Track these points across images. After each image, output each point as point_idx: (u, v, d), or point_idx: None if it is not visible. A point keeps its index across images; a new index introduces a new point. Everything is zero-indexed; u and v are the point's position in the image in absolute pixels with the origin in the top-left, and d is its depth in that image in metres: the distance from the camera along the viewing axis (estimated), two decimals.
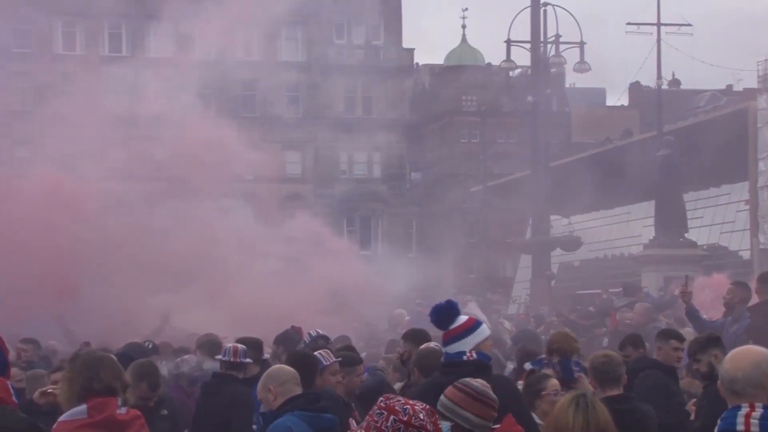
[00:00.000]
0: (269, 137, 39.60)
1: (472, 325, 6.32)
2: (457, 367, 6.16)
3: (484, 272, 53.71)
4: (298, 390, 6.50)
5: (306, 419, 6.19)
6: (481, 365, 6.27)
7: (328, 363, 8.09)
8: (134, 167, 28.58)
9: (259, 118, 45.04)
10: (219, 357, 9.33)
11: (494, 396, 5.26)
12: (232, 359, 8.95)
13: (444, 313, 6.22)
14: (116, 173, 27.07)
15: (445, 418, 5.17)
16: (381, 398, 4.10)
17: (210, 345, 10.93)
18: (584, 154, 45.22)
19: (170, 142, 32.19)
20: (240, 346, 9.29)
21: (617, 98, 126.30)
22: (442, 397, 5.36)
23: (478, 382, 5.38)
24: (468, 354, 6.22)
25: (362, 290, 21.61)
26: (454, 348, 6.23)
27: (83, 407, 5.46)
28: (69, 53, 45.94)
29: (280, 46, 48.65)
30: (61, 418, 5.53)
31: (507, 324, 19.45)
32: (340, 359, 8.36)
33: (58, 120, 25.85)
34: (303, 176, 48.67)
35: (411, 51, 55.56)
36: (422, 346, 8.17)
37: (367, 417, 4.04)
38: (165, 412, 8.49)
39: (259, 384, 6.66)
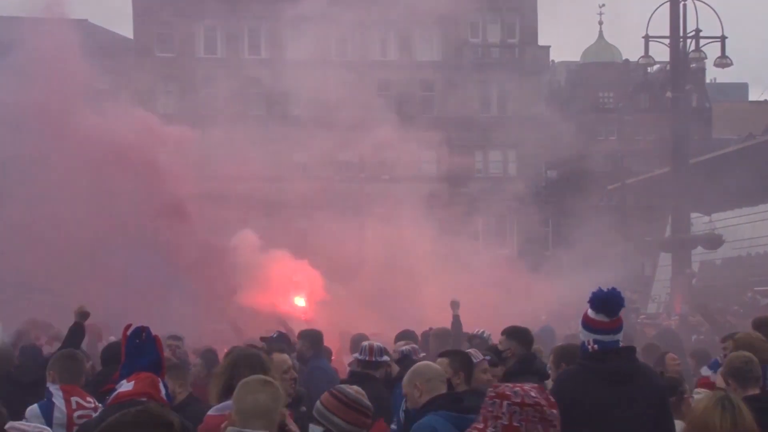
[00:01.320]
0: (405, 137, 39.83)
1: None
2: (616, 353, 6.16)
3: (623, 270, 52.88)
4: (443, 388, 6.46)
5: (451, 419, 6.15)
6: (634, 351, 6.35)
7: (477, 360, 8.15)
8: (277, 168, 29.07)
9: (395, 117, 45.25)
10: (356, 355, 9.38)
11: (368, 404, 5.31)
12: (367, 358, 8.98)
13: (617, 301, 6.20)
14: (258, 174, 27.63)
15: (318, 423, 5.26)
16: (489, 388, 4.16)
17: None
18: (726, 150, 44.08)
19: (314, 143, 32.64)
20: (376, 344, 9.28)
21: (760, 93, 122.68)
22: (317, 402, 5.44)
23: (353, 389, 5.49)
24: (621, 342, 6.24)
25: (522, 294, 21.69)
26: (611, 337, 6.18)
27: (230, 402, 5.59)
28: (210, 56, 47.00)
29: (415, 45, 48.84)
30: (210, 412, 5.69)
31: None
32: (488, 357, 8.39)
33: (203, 121, 26.50)
34: (438, 175, 48.71)
35: (547, 49, 55.07)
36: (566, 344, 8.18)
37: (481, 411, 4.09)
38: (303, 409, 8.26)
39: (405, 379, 6.63)
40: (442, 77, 48.77)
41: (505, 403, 3.98)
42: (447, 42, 49.21)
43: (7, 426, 5.73)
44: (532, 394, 4.01)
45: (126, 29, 50.92)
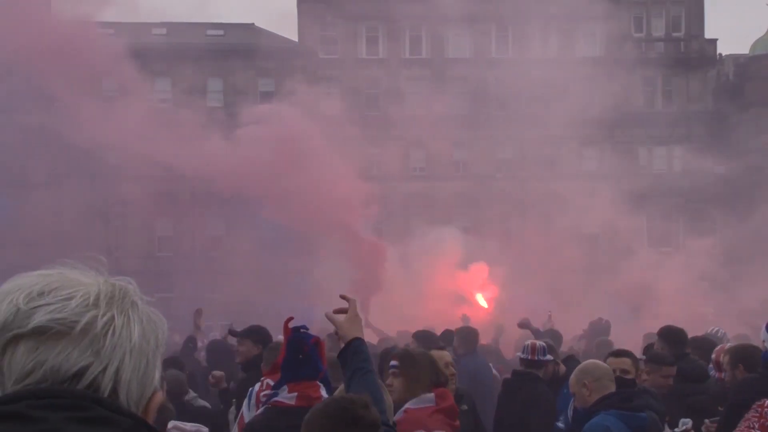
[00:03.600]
0: (568, 134, 39.47)
1: None
2: None
3: None
4: (612, 387, 6.41)
5: (622, 418, 6.12)
6: None
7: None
8: (436, 166, 29.35)
9: (556, 113, 44.88)
10: (519, 354, 9.41)
11: None
12: (529, 357, 8.95)
13: None
14: (418, 173, 27.90)
15: None
16: (765, 399, 4.37)
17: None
18: None
19: (474, 141, 32.44)
20: (539, 342, 9.25)
21: None
22: None
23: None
24: None
25: None
26: None
27: (431, 395, 5.88)
28: (372, 57, 47.58)
29: (577, 41, 48.33)
30: (409, 406, 5.87)
31: None
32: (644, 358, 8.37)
33: (364, 122, 26.90)
34: (600, 171, 48.12)
35: (714, 42, 53.71)
36: (741, 344, 8.07)
37: (751, 416, 4.28)
38: (465, 407, 8.25)
39: (572, 378, 6.63)
40: (604, 73, 48.12)
41: None
42: (610, 36, 48.53)
43: (169, 425, 6.02)
44: None
45: (291, 32, 51.95)
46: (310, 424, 3.85)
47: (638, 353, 8.57)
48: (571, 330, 14.18)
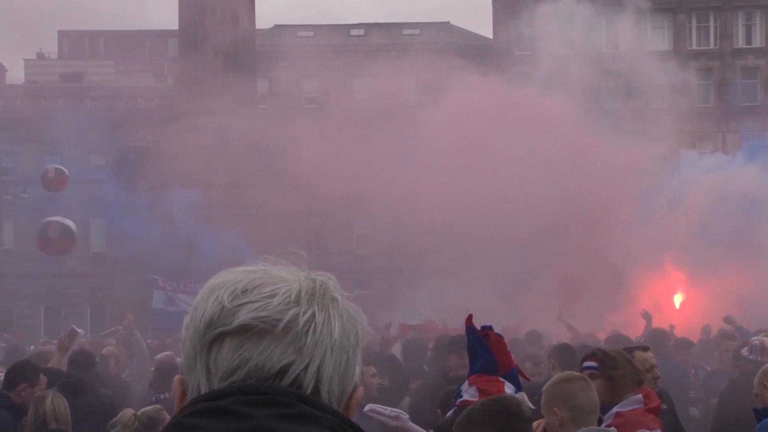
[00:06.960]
0: None
1: None
2: None
3: None
4: None
5: None
6: None
7: None
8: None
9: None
10: (742, 352, 9.31)
11: None
12: (759, 358, 8.93)
13: None
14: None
15: None
16: None
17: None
18: None
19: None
20: (767, 340, 9.22)
21: None
22: None
23: None
24: None
25: None
26: None
27: (639, 396, 5.87)
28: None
29: None
30: (619, 409, 5.84)
31: None
32: None
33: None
34: None
35: None
36: None
37: None
38: (665, 406, 8.18)
39: (756, 379, 6.61)
40: None
41: None
42: None
43: (366, 408, 6.11)
44: None
45: (486, 29, 51.95)
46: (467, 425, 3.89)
47: None
48: None
